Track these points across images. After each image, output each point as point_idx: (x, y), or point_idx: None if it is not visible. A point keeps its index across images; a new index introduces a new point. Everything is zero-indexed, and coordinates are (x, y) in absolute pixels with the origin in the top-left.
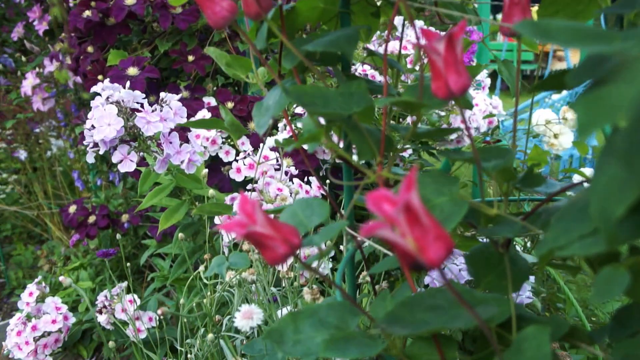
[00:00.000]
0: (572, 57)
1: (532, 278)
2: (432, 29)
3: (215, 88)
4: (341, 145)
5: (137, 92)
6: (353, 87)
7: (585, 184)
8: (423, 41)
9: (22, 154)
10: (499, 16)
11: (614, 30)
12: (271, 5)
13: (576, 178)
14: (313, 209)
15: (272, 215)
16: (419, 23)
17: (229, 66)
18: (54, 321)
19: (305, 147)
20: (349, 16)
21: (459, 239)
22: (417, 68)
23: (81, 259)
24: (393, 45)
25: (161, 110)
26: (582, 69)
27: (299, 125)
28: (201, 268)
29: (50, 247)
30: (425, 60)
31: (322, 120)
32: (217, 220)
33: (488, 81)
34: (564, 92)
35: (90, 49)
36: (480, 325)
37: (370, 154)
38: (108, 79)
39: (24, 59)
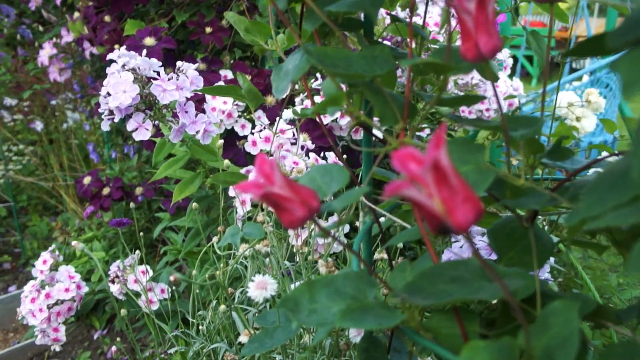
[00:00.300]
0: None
1: (551, 260)
2: None
3: (232, 61)
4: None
5: (154, 60)
6: (377, 51)
7: (612, 158)
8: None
9: (39, 125)
10: (523, 3)
11: None
12: None
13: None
14: (332, 175)
15: None
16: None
17: (247, 32)
18: (67, 289)
19: (324, 120)
20: None
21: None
22: (442, 33)
23: (95, 231)
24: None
25: (177, 79)
26: (624, 29)
27: (317, 100)
28: (215, 239)
29: (65, 218)
30: (453, 23)
31: (343, 87)
32: (231, 192)
33: (510, 61)
34: (585, 78)
35: (107, 18)
36: (507, 297)
37: (394, 119)
38: (124, 47)
39: (41, 29)
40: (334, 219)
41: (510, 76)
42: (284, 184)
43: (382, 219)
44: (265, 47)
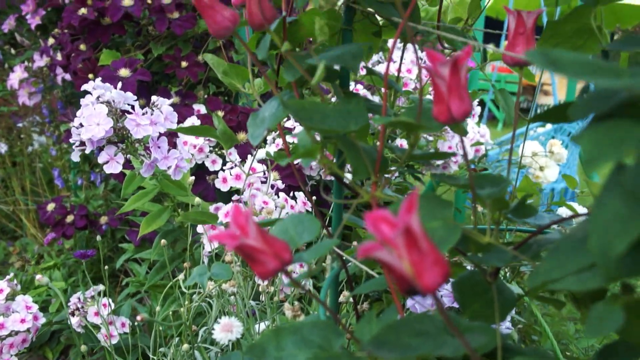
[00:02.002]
0: (559, 92)
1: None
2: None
3: (206, 96)
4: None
5: (129, 94)
6: (351, 105)
7: (575, 220)
8: (427, 63)
9: (3, 148)
10: (490, 46)
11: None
12: (275, 16)
13: (561, 211)
14: (304, 225)
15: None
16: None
17: (225, 74)
18: (23, 320)
19: (295, 161)
20: (351, 33)
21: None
22: (412, 88)
23: (55, 259)
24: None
25: (152, 114)
26: (587, 103)
27: (289, 139)
28: (181, 277)
29: (24, 244)
30: (425, 81)
31: (317, 137)
32: (199, 228)
33: (478, 109)
34: (549, 126)
35: (82, 46)
36: (470, 354)
37: (366, 173)
38: (99, 79)
39: (13, 51)
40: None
41: (479, 119)
42: (258, 236)
43: (349, 264)
44: (242, 90)
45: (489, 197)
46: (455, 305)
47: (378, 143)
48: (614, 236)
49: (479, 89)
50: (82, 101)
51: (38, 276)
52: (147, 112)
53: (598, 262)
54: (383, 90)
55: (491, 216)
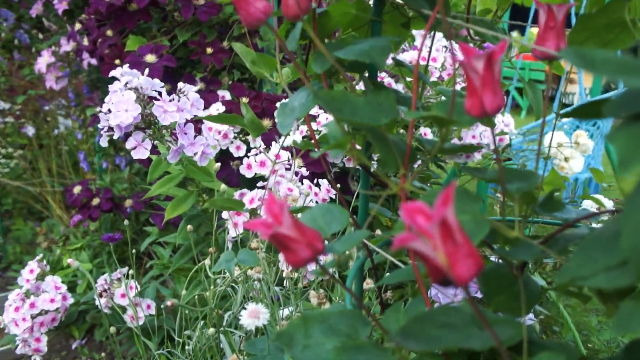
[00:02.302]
0: (585, 81)
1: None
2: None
3: (230, 82)
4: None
5: (156, 81)
6: (381, 98)
7: (604, 216)
8: (461, 57)
9: (30, 130)
10: (514, 34)
11: None
12: (309, 7)
13: (586, 203)
14: (333, 215)
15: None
16: (439, 36)
17: (254, 64)
18: (52, 300)
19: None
20: (379, 25)
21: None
22: (437, 77)
23: (81, 240)
24: (412, 56)
25: (179, 101)
26: (623, 101)
27: (314, 126)
28: (207, 262)
29: (50, 225)
30: (453, 73)
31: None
32: (224, 214)
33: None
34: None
35: (109, 32)
36: (499, 347)
37: (395, 166)
38: (126, 64)
39: (40, 36)
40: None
41: (504, 105)
42: (292, 225)
43: (375, 254)
44: (270, 79)
45: (518, 191)
46: (478, 295)
47: (407, 135)
48: None
49: (503, 77)
50: (111, 87)
51: (69, 260)
52: (174, 99)
53: (630, 260)
54: (412, 81)
55: (519, 210)
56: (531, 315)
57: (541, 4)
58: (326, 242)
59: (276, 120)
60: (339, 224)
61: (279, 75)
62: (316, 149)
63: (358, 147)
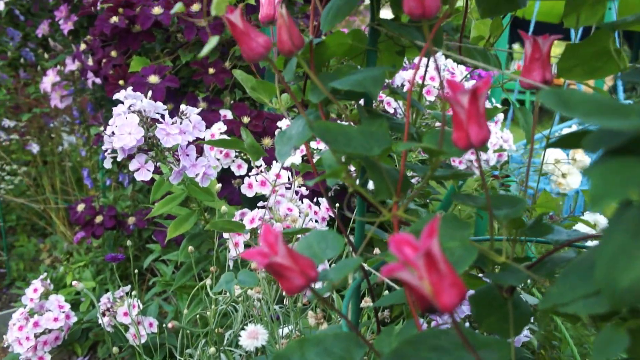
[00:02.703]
0: (585, 88)
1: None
2: (450, 62)
3: (232, 101)
4: (357, 179)
5: (159, 104)
6: (375, 127)
7: (591, 242)
8: (448, 91)
9: (35, 148)
10: (515, 46)
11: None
12: (302, 42)
13: (580, 226)
14: (328, 241)
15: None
16: (438, 54)
17: (254, 90)
18: (56, 319)
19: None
20: (375, 53)
21: (464, 277)
22: (435, 96)
23: (84, 256)
24: (410, 75)
25: (181, 123)
26: (599, 137)
27: (313, 145)
28: (208, 281)
29: (54, 241)
30: (446, 105)
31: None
32: (225, 234)
33: (501, 117)
34: (574, 127)
35: (113, 53)
36: None
37: (388, 194)
38: (130, 86)
39: (46, 56)
40: (323, 265)
41: (504, 118)
42: (286, 254)
43: (371, 275)
44: (270, 105)
45: (506, 218)
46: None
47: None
48: (619, 270)
49: (506, 88)
50: (115, 110)
51: (74, 282)
52: (176, 121)
53: (603, 292)
54: (405, 109)
55: (508, 233)
56: (526, 332)
57: (527, 36)
58: (322, 267)
59: (275, 147)
60: (334, 251)
61: (278, 101)
62: (313, 170)
63: (354, 171)
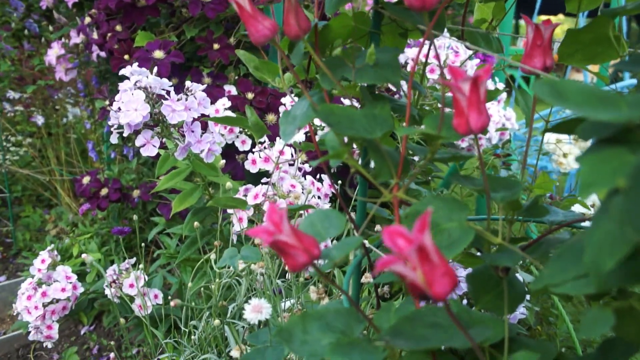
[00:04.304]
0: (592, 67)
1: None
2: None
3: (236, 77)
4: (360, 159)
5: (165, 80)
6: (377, 109)
7: (585, 223)
8: (449, 78)
9: (40, 119)
10: (522, 21)
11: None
12: (309, 26)
13: (576, 207)
14: (331, 220)
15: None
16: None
17: (257, 69)
18: (63, 289)
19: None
20: (378, 36)
21: (462, 255)
22: (439, 74)
23: (88, 227)
24: (414, 53)
25: (186, 100)
26: (591, 127)
27: (316, 121)
28: (212, 256)
29: (59, 212)
30: (445, 90)
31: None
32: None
33: (504, 96)
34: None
35: (118, 27)
36: (474, 348)
37: (389, 175)
38: (135, 61)
39: (51, 28)
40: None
41: (508, 95)
42: (291, 232)
43: (372, 251)
44: (274, 85)
45: (503, 200)
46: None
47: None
48: (605, 254)
49: (508, 66)
50: (121, 86)
51: (84, 255)
52: (181, 98)
53: (590, 274)
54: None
55: (505, 214)
56: (523, 310)
57: (530, 22)
58: (324, 245)
59: (278, 124)
60: (336, 229)
61: (281, 80)
62: (316, 148)
63: (356, 151)
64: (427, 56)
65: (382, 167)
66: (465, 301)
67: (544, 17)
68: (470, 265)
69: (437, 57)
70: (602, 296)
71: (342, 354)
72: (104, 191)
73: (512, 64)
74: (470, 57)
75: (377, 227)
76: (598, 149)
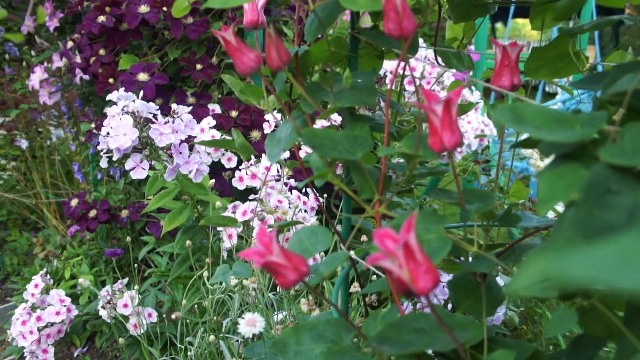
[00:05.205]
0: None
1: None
2: (430, 51)
3: (220, 96)
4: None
5: (152, 104)
6: (357, 130)
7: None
8: (423, 99)
9: (24, 143)
10: (498, 24)
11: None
12: (289, 58)
13: (550, 213)
14: (317, 237)
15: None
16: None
17: (242, 93)
18: (58, 313)
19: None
20: (356, 58)
21: (444, 262)
22: (415, 89)
23: (77, 249)
24: (392, 65)
25: (173, 122)
26: (550, 144)
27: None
28: (205, 273)
29: (46, 235)
30: (421, 112)
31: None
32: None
33: (481, 104)
34: (559, 96)
35: (102, 51)
36: (458, 349)
37: (370, 193)
38: (120, 84)
39: (33, 53)
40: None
41: (487, 99)
42: (280, 253)
43: (358, 263)
44: (258, 106)
45: (477, 211)
46: None
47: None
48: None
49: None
50: (109, 111)
51: (81, 280)
52: (168, 121)
53: (551, 279)
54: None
55: (481, 222)
56: (504, 310)
57: (497, 44)
58: (313, 260)
59: (265, 149)
60: (323, 245)
61: (266, 102)
62: (300, 166)
63: (340, 167)
64: (404, 69)
65: (364, 184)
66: (450, 306)
67: (520, 20)
68: (452, 272)
69: (412, 77)
70: (573, 297)
71: None
72: (93, 213)
73: (481, 84)
74: (446, 69)
75: (364, 238)
76: (555, 166)
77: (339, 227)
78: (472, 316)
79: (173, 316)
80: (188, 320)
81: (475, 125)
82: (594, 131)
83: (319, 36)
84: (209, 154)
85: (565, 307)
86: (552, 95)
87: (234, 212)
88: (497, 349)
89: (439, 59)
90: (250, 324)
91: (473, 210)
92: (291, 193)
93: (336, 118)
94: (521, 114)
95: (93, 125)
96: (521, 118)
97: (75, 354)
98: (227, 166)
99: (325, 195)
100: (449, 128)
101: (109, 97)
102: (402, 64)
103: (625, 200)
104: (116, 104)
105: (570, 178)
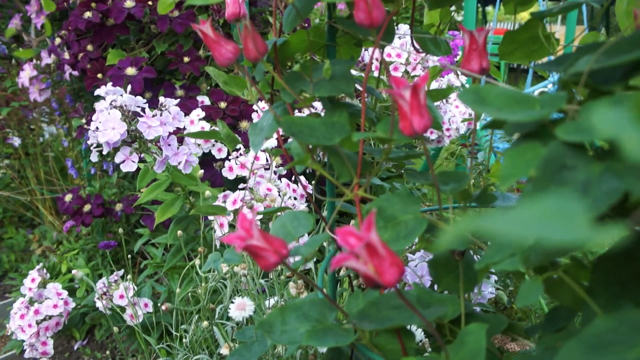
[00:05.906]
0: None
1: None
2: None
3: (208, 87)
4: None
5: (139, 98)
6: (335, 117)
7: None
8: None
9: (17, 141)
10: (489, 8)
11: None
12: (266, 49)
13: None
14: (300, 221)
15: (262, 220)
16: (405, 28)
17: (226, 84)
18: (55, 306)
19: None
20: (334, 47)
21: (426, 243)
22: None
23: (74, 244)
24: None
25: (161, 115)
26: (514, 124)
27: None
28: (197, 262)
29: (42, 231)
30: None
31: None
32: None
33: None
34: (550, 87)
35: (89, 47)
36: (426, 324)
37: (349, 177)
38: (108, 79)
39: (21, 50)
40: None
41: (476, 84)
42: (260, 237)
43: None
44: (242, 97)
45: (452, 191)
46: None
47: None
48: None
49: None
50: (97, 106)
51: (74, 271)
52: (156, 114)
53: (515, 253)
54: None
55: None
56: (492, 289)
57: (465, 30)
58: (296, 244)
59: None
60: (305, 228)
61: (249, 93)
62: (284, 153)
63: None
64: (381, 56)
65: (342, 169)
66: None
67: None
68: (433, 251)
69: (380, 66)
70: (545, 270)
71: (317, 339)
72: (87, 207)
73: (454, 68)
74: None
75: (352, 222)
76: (518, 144)
77: (326, 214)
78: (453, 293)
79: (163, 307)
80: (182, 308)
81: (463, 109)
82: (552, 111)
83: (298, 26)
84: (199, 145)
85: (533, 279)
86: (544, 78)
87: (224, 202)
88: (474, 322)
89: (416, 45)
90: (241, 307)
91: (448, 190)
92: (281, 181)
93: (318, 106)
94: (483, 96)
95: (84, 120)
96: (484, 100)
97: (75, 347)
98: (217, 157)
99: (313, 182)
100: (417, 112)
101: (96, 92)
102: (377, 51)
103: (579, 175)
104: (104, 99)
105: (530, 155)
